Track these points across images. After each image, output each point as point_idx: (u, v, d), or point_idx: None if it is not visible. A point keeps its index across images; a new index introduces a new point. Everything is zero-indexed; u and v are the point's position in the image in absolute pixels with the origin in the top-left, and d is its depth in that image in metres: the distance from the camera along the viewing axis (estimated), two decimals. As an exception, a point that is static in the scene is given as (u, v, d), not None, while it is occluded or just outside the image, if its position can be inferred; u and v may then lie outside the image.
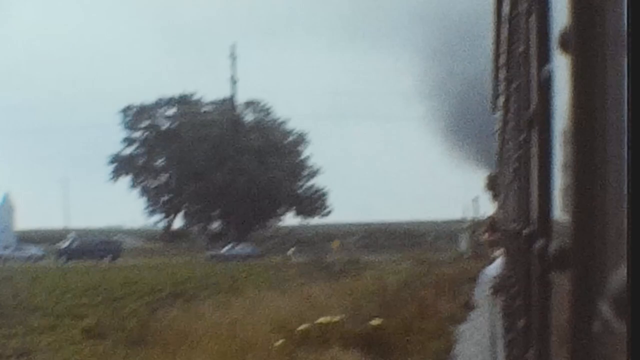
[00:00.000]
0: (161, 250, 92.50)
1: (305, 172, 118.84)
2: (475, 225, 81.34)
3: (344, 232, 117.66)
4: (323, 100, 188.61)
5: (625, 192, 1.35)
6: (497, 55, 13.31)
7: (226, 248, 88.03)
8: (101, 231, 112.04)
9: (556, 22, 2.50)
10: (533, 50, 3.54)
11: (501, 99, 13.45)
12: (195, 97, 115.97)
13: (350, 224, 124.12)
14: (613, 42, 1.63)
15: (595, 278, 1.77)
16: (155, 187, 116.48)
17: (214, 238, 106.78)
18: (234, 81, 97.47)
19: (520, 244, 5.79)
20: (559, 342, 2.37)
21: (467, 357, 20.84)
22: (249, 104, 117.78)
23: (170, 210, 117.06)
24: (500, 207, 22.49)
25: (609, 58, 1.66)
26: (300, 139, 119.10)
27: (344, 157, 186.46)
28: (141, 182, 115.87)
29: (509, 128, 10.35)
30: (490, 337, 16.38)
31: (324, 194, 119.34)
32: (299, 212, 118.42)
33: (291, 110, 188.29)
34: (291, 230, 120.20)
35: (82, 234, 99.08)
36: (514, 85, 7.30)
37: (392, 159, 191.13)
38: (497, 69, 14.37)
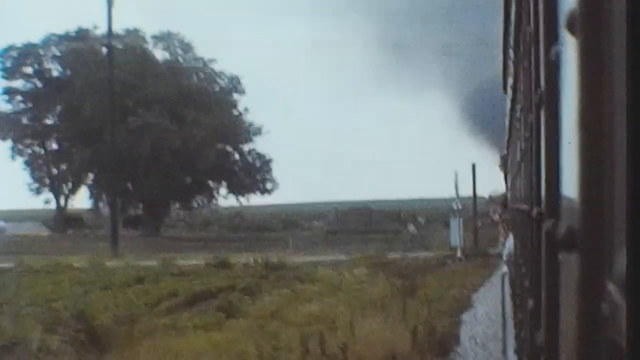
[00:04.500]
0: (44, 242, 68.38)
1: (241, 132, 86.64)
2: (477, 208, 62.42)
3: (307, 214, 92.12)
4: (270, 41, 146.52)
5: (631, 174, 1.36)
6: (506, 36, 13.29)
7: None
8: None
9: (564, 4, 2.50)
10: (541, 32, 3.54)
11: (510, 80, 13.43)
12: (96, 32, 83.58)
13: (319, 204, 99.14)
14: (619, 24, 1.64)
15: (603, 259, 1.77)
16: (44, 155, 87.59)
17: (130, 223, 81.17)
18: None
19: (530, 225, 5.80)
20: (568, 323, 2.38)
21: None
22: (161, 37, 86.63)
23: (63, 186, 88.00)
24: (509, 187, 22.49)
25: (616, 39, 1.66)
26: (233, 86, 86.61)
27: (296, 112, 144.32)
28: (26, 147, 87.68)
29: (518, 109, 10.34)
30: (502, 317, 16.39)
31: (267, 162, 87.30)
32: (231, 188, 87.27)
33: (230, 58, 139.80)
34: (238, 212, 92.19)
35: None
36: (523, 66, 7.30)
37: (369, 119, 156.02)
38: (506, 49, 14.35)
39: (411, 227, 73.90)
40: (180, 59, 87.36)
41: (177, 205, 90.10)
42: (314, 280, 33.38)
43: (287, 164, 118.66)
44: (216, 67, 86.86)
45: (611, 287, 1.63)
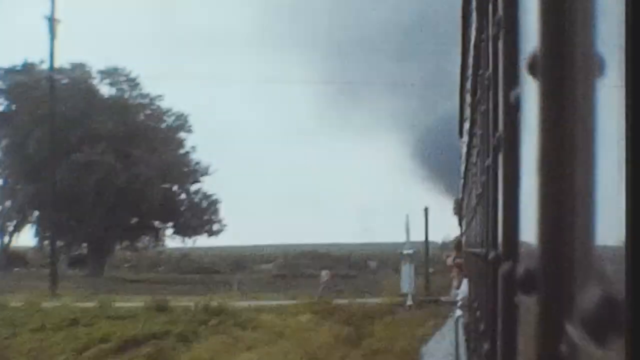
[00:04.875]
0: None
1: (188, 172, 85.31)
2: (422, 253, 59.82)
3: (256, 257, 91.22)
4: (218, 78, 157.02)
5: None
6: (463, 81, 13.41)
7: None
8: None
9: (525, 47, 2.53)
10: (501, 75, 3.56)
11: (467, 124, 13.53)
12: (43, 66, 77.36)
13: (269, 246, 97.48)
14: (581, 67, 1.65)
15: (562, 300, 1.78)
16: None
17: (75, 262, 79.57)
18: (51, 21, 64.63)
19: (485, 268, 5.81)
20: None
21: None
22: (107, 72, 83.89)
23: (7, 223, 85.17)
24: (464, 232, 22.58)
25: (577, 83, 1.68)
26: (181, 124, 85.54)
27: (243, 152, 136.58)
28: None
29: (474, 153, 10.41)
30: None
31: (214, 203, 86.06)
32: (178, 229, 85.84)
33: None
34: (185, 254, 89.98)
35: None
36: (480, 110, 7.35)
37: (318, 159, 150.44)
38: (463, 93, 14.47)
39: (323, 273, 66.24)
40: (126, 94, 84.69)
41: (123, 245, 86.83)
42: (256, 326, 32.25)
43: (236, 205, 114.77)
44: (163, 104, 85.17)
45: (569, 329, 1.63)
